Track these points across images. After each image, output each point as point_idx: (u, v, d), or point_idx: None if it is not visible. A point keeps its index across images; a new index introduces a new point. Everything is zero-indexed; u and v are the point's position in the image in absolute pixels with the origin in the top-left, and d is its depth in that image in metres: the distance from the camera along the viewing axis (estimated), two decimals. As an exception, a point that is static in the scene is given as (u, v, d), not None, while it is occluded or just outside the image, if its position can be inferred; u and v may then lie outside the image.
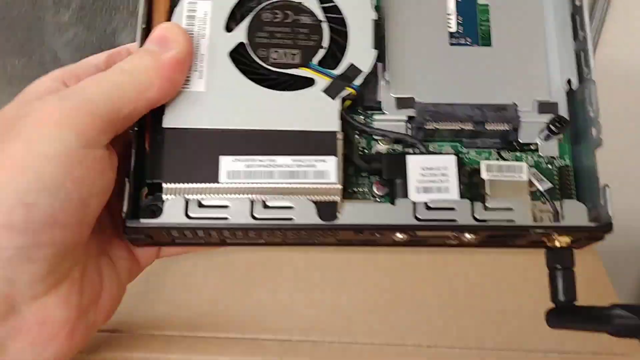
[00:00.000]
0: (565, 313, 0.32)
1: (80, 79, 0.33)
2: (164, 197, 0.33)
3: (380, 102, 0.36)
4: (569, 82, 0.37)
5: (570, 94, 0.37)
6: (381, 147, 0.37)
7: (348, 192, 0.36)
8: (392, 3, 0.38)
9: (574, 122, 0.37)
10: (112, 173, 0.31)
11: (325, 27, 0.36)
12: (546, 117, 0.36)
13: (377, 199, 0.35)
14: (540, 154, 0.36)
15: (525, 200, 0.33)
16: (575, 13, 0.38)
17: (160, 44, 0.33)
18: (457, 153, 0.35)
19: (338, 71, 0.35)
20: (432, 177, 0.34)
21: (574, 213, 0.33)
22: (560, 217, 0.33)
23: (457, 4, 0.39)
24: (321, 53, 0.35)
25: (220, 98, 0.34)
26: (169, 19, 0.36)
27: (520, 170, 0.34)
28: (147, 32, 0.35)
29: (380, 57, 0.37)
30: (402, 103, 0.36)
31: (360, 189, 0.36)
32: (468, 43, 0.38)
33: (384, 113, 0.36)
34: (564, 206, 0.33)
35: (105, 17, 0.50)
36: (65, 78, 0.34)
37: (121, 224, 0.32)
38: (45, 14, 0.51)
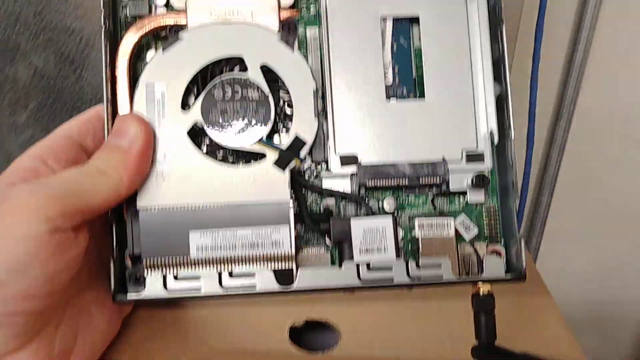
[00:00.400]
0: (486, 350, 0.38)
1: (57, 154, 0.37)
2: (145, 271, 0.38)
3: (325, 160, 0.41)
4: (492, 133, 0.41)
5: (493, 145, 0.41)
6: (330, 200, 0.41)
7: (305, 243, 0.41)
8: (335, 59, 0.41)
9: (502, 172, 0.42)
10: (77, 250, 0.35)
11: (271, 100, 0.39)
12: (473, 166, 0.41)
13: (329, 247, 0.41)
14: (466, 200, 0.42)
15: (452, 256, 0.39)
16: (500, 62, 0.41)
17: (125, 139, 0.37)
18: (393, 213, 0.40)
19: (285, 143, 0.39)
20: (372, 238, 0.39)
21: (493, 266, 0.39)
22: (483, 266, 0.39)
23: (393, 54, 0.42)
24: (270, 126, 0.39)
25: (183, 176, 0.38)
26: (131, 96, 0.39)
27: (449, 227, 0.39)
28: (113, 113, 0.39)
29: (326, 115, 0.41)
30: (346, 160, 0.41)
31: (315, 241, 0.41)
32: (404, 94, 0.42)
33: (330, 171, 0.41)
34: (485, 259, 0.39)
35: (65, 117, 0.49)
36: (43, 155, 0.37)
37: (109, 295, 0.38)
38: (0, 114, 0.51)
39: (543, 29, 0.44)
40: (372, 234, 0.39)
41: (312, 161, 0.41)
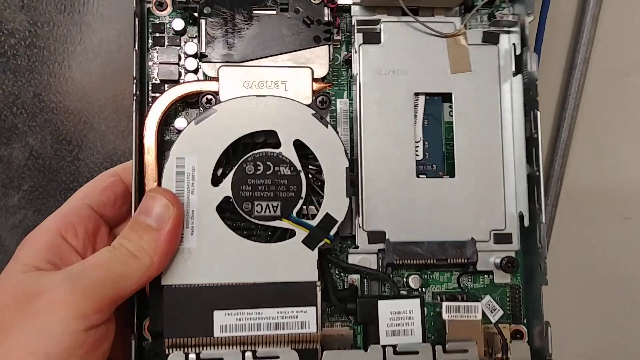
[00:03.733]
0: None
1: (75, 227, 0.37)
2: (167, 350, 0.37)
3: (353, 236, 0.40)
4: (521, 215, 0.41)
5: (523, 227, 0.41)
6: (355, 276, 0.41)
7: (328, 319, 0.41)
8: (367, 133, 0.41)
9: (527, 252, 0.41)
10: (108, 342, 0.34)
11: (303, 177, 0.39)
12: (501, 247, 0.41)
13: (351, 324, 0.40)
14: (492, 279, 0.41)
15: (478, 339, 0.39)
16: (532, 145, 0.41)
17: (156, 217, 0.36)
18: (420, 296, 0.40)
19: (315, 221, 0.38)
20: (399, 320, 0.39)
21: (519, 350, 0.39)
22: (508, 350, 0.39)
23: (424, 129, 0.42)
24: (300, 203, 0.39)
25: (210, 254, 0.37)
26: (159, 165, 0.38)
27: (476, 310, 0.39)
28: (140, 182, 0.38)
29: (355, 191, 0.40)
30: (374, 237, 0.40)
31: (339, 317, 0.41)
32: (434, 170, 0.42)
33: (357, 246, 0.40)
34: (511, 345, 0.39)
35: (59, 198, 0.50)
36: (61, 229, 0.37)
37: None
38: None
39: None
40: (398, 317, 0.39)
41: (339, 235, 0.40)
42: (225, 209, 0.38)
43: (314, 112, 0.39)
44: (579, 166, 0.56)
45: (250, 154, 0.38)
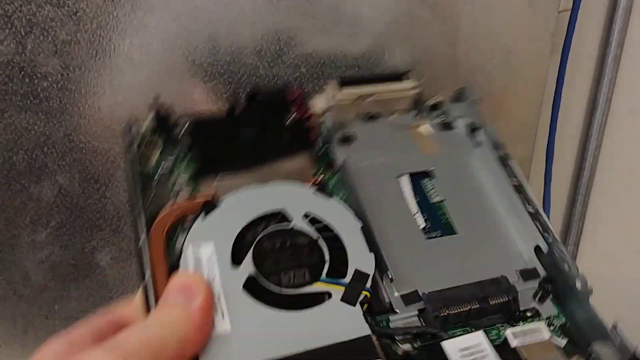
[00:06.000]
0: None
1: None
2: None
3: (388, 303, 0.38)
4: (537, 248, 0.41)
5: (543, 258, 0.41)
6: (405, 346, 0.37)
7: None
8: (370, 213, 0.41)
9: (554, 283, 0.40)
10: None
11: (322, 242, 0.38)
12: (532, 284, 0.40)
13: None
14: (541, 317, 0.39)
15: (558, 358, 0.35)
16: (519, 191, 0.43)
17: (184, 294, 0.33)
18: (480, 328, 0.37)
19: (347, 279, 0.36)
20: (472, 356, 0.34)
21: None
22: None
23: (418, 203, 0.43)
24: (327, 266, 0.37)
25: (248, 333, 0.33)
26: (168, 270, 0.36)
27: (541, 331, 0.36)
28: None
29: (375, 262, 0.39)
30: (408, 299, 0.38)
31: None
32: (439, 235, 0.42)
33: (395, 312, 0.37)
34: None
35: (85, 235, 0.51)
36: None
37: None
38: (20, 232, 0.51)
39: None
40: (469, 352, 0.35)
41: (373, 311, 0.38)
42: (253, 288, 0.36)
43: (315, 190, 0.40)
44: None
45: (262, 233, 0.38)
